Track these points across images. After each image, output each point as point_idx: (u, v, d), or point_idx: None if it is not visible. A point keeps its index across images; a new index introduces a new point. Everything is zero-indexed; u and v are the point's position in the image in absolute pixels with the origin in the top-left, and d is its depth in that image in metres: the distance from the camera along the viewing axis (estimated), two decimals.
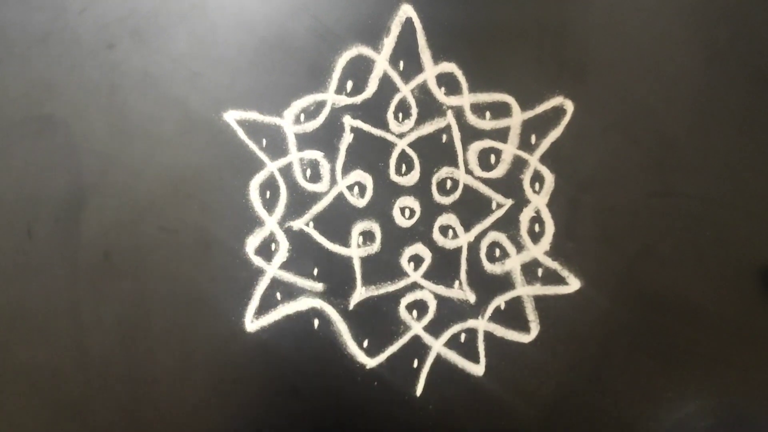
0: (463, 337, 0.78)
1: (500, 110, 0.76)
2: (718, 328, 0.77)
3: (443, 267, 0.78)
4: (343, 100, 0.76)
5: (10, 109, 0.76)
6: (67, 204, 0.77)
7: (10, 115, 0.76)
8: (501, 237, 0.77)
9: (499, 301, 0.78)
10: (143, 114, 0.76)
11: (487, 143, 0.76)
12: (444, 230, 0.77)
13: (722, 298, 0.77)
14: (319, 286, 0.78)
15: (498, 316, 0.78)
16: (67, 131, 0.76)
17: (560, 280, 0.77)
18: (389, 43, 0.75)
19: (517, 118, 0.76)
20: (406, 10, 0.74)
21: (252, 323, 0.78)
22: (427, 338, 0.78)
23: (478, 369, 0.78)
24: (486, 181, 0.77)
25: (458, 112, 0.76)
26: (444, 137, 0.76)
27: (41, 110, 0.76)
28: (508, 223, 0.77)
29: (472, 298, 0.78)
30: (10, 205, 0.77)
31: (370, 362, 0.78)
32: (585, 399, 0.78)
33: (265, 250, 0.77)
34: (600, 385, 0.78)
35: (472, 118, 0.76)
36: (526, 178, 0.77)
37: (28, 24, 0.75)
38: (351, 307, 0.78)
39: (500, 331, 0.78)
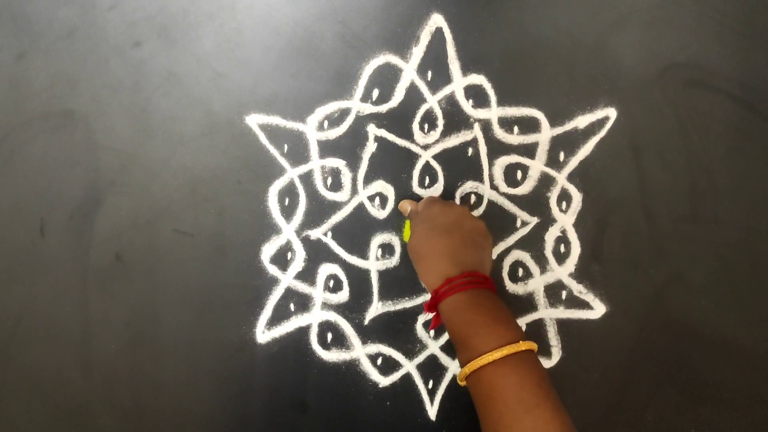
0: None
1: (529, 125, 0.74)
2: (751, 363, 0.73)
3: None
4: (368, 109, 0.74)
5: (32, 102, 0.75)
6: (82, 202, 0.75)
7: (31, 108, 0.75)
8: (525, 256, 0.75)
9: (521, 323, 0.75)
10: (165, 113, 0.75)
11: (514, 158, 0.74)
12: None
13: (755, 332, 0.73)
14: (334, 299, 0.76)
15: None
16: (87, 128, 0.75)
17: (585, 305, 0.74)
18: (418, 52, 0.74)
19: (546, 134, 0.74)
20: (437, 20, 0.73)
21: (263, 334, 0.75)
22: (444, 358, 0.75)
23: None
24: (511, 198, 0.75)
25: (485, 126, 0.74)
26: (470, 150, 0.74)
27: (63, 105, 0.75)
28: (532, 242, 0.75)
29: None
30: (25, 200, 0.76)
31: (384, 381, 0.75)
32: (607, 431, 0.74)
33: (281, 259, 0.75)
34: (623, 417, 0.74)
35: (499, 132, 0.74)
36: (553, 196, 0.74)
37: (56, 19, 0.75)
38: (366, 322, 0.76)
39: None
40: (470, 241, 0.65)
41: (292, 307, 0.76)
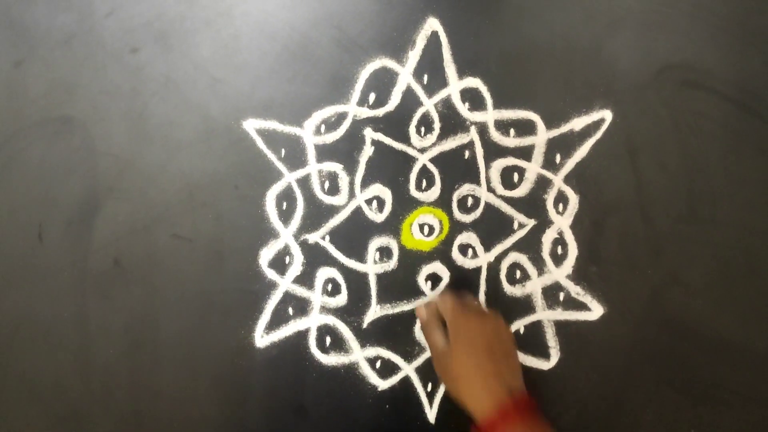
0: None
1: (525, 128, 0.74)
2: (749, 363, 0.73)
3: (461, 287, 0.75)
4: (365, 113, 0.75)
5: (30, 109, 0.75)
6: (80, 207, 0.76)
7: (29, 115, 0.75)
8: (522, 258, 0.75)
9: (519, 325, 0.75)
10: (163, 119, 0.75)
11: (511, 161, 0.74)
12: (463, 249, 0.75)
13: (753, 331, 0.73)
14: (332, 302, 0.76)
15: (517, 341, 0.74)
16: (85, 134, 0.75)
17: (582, 306, 0.74)
18: (414, 56, 0.74)
19: (542, 136, 0.74)
20: (432, 24, 0.73)
21: (262, 338, 0.75)
22: None
23: None
24: (508, 200, 0.75)
25: (482, 129, 0.74)
26: (466, 153, 0.75)
27: (61, 111, 0.75)
28: (529, 244, 0.75)
29: None
30: (23, 206, 0.76)
31: (382, 384, 0.76)
32: None
33: (279, 263, 0.75)
34: (622, 418, 0.74)
35: (495, 135, 0.74)
36: (550, 198, 0.74)
37: (53, 25, 0.75)
38: (365, 325, 0.76)
39: (518, 357, 0.74)
40: (510, 355, 0.65)
41: (290, 311, 0.76)
